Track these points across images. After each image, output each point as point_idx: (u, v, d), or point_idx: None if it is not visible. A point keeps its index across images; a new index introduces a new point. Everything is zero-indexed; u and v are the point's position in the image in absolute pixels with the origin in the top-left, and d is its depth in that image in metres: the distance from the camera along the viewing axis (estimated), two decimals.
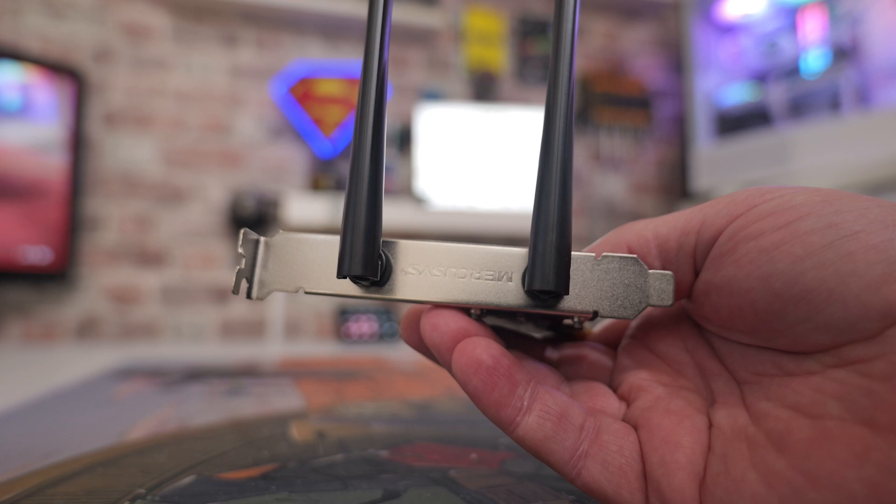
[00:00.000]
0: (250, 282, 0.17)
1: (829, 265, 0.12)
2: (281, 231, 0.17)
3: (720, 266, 0.14)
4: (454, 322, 0.16)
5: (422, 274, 0.16)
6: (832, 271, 0.12)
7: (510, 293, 0.16)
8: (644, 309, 0.15)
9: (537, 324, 0.19)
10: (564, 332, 0.20)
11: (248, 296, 0.17)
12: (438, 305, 0.16)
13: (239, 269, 0.17)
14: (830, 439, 0.12)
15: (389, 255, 0.16)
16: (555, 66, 0.15)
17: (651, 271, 0.15)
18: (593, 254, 0.16)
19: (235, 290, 0.17)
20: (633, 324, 0.19)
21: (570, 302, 0.16)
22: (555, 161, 0.15)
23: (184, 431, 0.28)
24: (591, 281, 0.16)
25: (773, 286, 0.13)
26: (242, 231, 0.17)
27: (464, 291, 0.16)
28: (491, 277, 0.16)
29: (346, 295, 0.17)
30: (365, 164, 0.15)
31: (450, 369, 0.16)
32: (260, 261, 0.17)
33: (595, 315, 0.16)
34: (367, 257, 0.15)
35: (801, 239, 0.12)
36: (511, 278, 0.16)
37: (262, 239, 0.17)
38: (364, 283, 0.16)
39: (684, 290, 0.16)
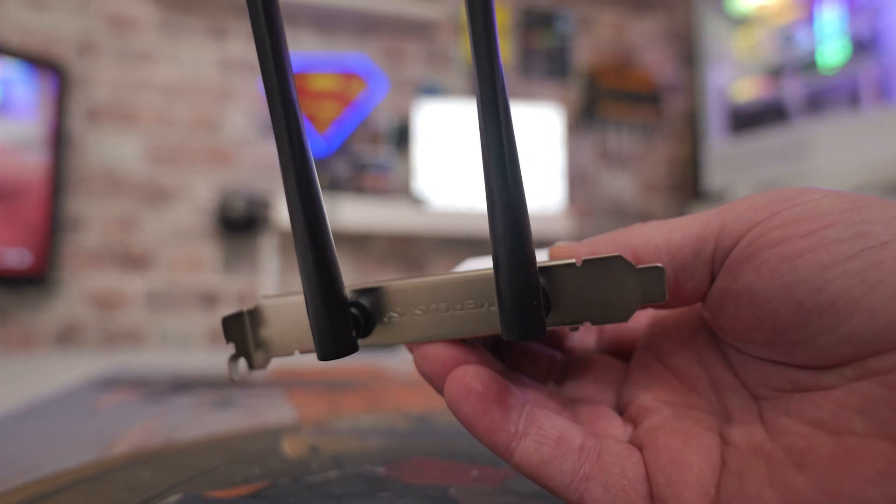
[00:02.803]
0: (248, 354, 0.18)
1: (856, 274, 0.12)
2: (261, 298, 0.18)
3: (739, 273, 0.14)
4: (444, 351, 0.16)
5: (404, 316, 0.17)
6: (859, 280, 0.12)
7: (495, 319, 0.16)
8: (637, 309, 0.15)
9: None
10: None
11: (251, 368, 0.18)
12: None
13: (231, 356, 0.18)
14: (853, 456, 0.12)
15: (368, 303, 0.17)
16: (479, 82, 0.14)
17: (639, 267, 0.15)
18: (574, 260, 0.16)
19: (234, 377, 0.18)
20: (646, 334, 0.19)
21: (558, 316, 0.16)
22: (499, 195, 0.14)
23: (170, 446, 0.28)
24: (577, 290, 0.15)
25: (795, 295, 0.13)
26: (222, 319, 0.18)
27: (449, 326, 0.16)
28: (473, 306, 0.16)
29: None
30: (304, 238, 0.15)
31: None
32: (250, 331, 0.18)
33: (588, 322, 0.16)
34: (339, 340, 0.15)
35: (828, 248, 0.13)
36: (493, 304, 0.16)
37: (245, 310, 0.18)
38: None
39: (700, 298, 0.16)
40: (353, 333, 0.16)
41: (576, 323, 0.16)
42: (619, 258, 0.15)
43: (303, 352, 0.18)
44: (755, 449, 0.14)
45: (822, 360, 0.13)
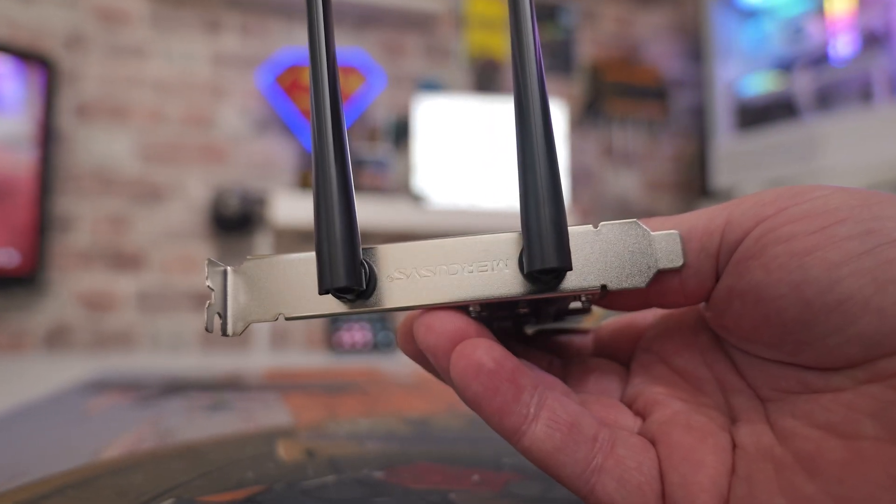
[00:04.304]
0: (224, 317, 0.17)
1: (867, 273, 0.12)
2: (248, 257, 0.17)
3: (745, 271, 0.14)
4: (451, 322, 0.15)
5: (410, 277, 0.16)
6: (869, 279, 0.12)
7: (508, 281, 0.16)
8: (655, 274, 0.15)
9: (541, 313, 0.19)
10: (571, 313, 0.20)
11: (224, 332, 0.17)
12: (433, 308, 0.16)
13: (209, 304, 0.17)
14: (865, 460, 0.12)
15: (372, 262, 0.16)
16: (515, 23, 0.15)
17: (655, 233, 0.15)
18: (590, 225, 0.16)
19: (209, 328, 0.17)
20: (646, 336, 0.19)
21: (574, 280, 0.16)
22: (534, 127, 0.15)
23: (162, 450, 0.28)
24: (594, 254, 0.16)
25: (804, 294, 0.13)
26: (207, 261, 0.17)
27: (458, 288, 0.16)
28: (485, 268, 0.16)
29: (330, 314, 0.16)
30: (329, 163, 0.15)
31: (447, 375, 0.15)
32: (231, 292, 0.17)
33: (604, 289, 0.16)
34: (349, 266, 0.15)
35: (838, 245, 0.12)
36: (507, 265, 0.16)
37: (229, 268, 0.17)
38: (348, 296, 0.16)
39: (705, 296, 0.16)
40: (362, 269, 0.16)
41: (594, 286, 0.16)
42: (634, 223, 0.16)
43: (288, 317, 0.16)
44: (764, 452, 0.14)
45: (830, 362, 0.13)
